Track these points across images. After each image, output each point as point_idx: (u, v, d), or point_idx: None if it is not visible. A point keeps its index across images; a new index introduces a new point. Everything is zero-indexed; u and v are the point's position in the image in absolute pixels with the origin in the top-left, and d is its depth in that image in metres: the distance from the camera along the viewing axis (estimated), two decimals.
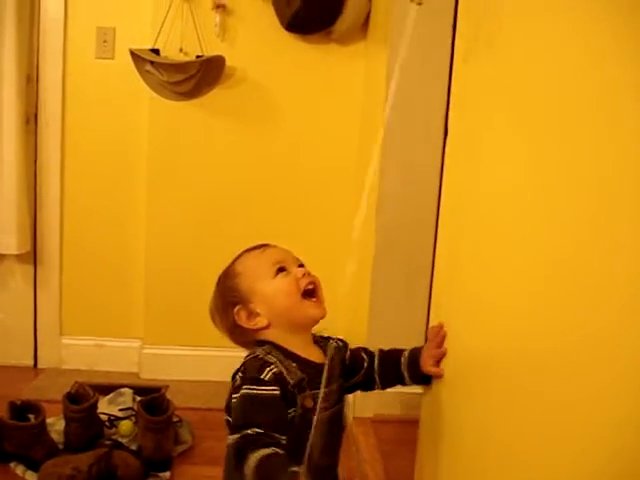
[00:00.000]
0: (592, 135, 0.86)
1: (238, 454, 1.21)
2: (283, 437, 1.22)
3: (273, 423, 1.22)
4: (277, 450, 1.17)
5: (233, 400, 1.29)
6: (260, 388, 1.26)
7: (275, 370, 1.29)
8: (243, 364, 1.34)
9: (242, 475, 1.19)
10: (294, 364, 1.32)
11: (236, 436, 1.22)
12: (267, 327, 1.38)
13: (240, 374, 1.32)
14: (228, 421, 1.34)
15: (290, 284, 1.37)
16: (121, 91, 3.14)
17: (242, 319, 1.38)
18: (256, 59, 3.03)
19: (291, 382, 1.30)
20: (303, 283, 1.37)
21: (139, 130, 3.12)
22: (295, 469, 1.13)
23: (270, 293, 1.37)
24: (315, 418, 1.25)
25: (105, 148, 3.19)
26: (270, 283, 1.37)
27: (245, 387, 1.27)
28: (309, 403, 1.30)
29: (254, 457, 1.16)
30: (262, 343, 1.37)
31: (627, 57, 0.79)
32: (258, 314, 1.37)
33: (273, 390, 1.26)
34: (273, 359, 1.31)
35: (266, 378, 1.27)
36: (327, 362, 1.23)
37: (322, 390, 1.23)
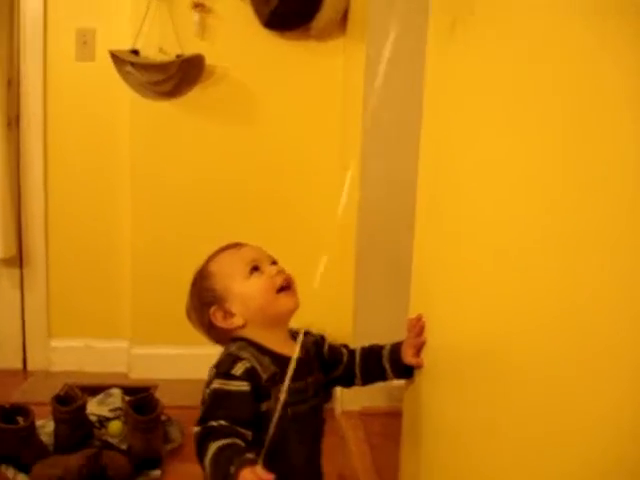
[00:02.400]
0: (569, 118, 0.87)
1: (199, 445, 1.22)
2: (248, 432, 1.23)
3: (238, 417, 1.24)
4: (237, 441, 1.19)
5: (205, 395, 1.31)
6: (230, 383, 1.28)
7: (247, 365, 1.31)
8: (218, 360, 1.35)
9: (203, 466, 1.21)
10: (267, 359, 1.34)
11: (199, 428, 1.24)
12: (243, 326, 1.39)
13: (213, 369, 1.33)
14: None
15: (265, 283, 1.38)
16: (102, 92, 3.14)
17: (218, 319, 1.39)
18: (236, 57, 3.04)
19: (264, 377, 1.31)
20: (278, 281, 1.38)
21: (121, 131, 3.12)
22: (250, 456, 1.14)
23: (245, 293, 1.38)
24: (279, 408, 1.23)
25: (88, 149, 3.20)
26: (245, 283, 1.38)
27: (216, 381, 1.29)
28: (283, 396, 1.32)
29: (213, 446, 1.18)
30: (236, 340, 1.39)
31: (604, 36, 0.80)
32: (234, 314, 1.39)
33: (242, 386, 1.28)
34: (246, 354, 1.33)
35: (237, 373, 1.29)
36: (295, 355, 1.23)
37: (286, 382, 1.23)
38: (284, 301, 1.38)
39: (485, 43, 1.17)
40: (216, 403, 1.27)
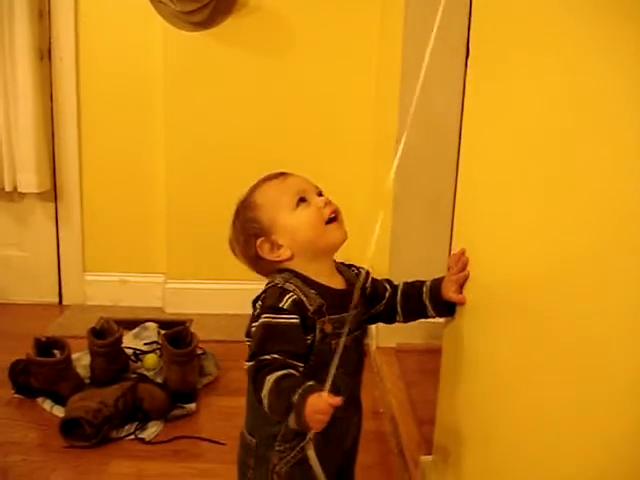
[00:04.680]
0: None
1: (254, 378, 1.22)
2: (300, 364, 1.23)
3: (290, 350, 1.23)
4: (293, 372, 1.19)
5: (253, 328, 1.30)
6: (279, 316, 1.27)
7: (295, 297, 1.29)
8: (263, 292, 1.33)
9: (259, 399, 1.21)
10: (313, 291, 1.32)
11: (252, 362, 1.24)
12: (290, 258, 1.36)
13: (260, 302, 1.31)
14: (250, 346, 1.35)
15: (313, 215, 1.34)
16: (135, 23, 3.09)
17: (265, 251, 1.36)
18: None
19: (311, 309, 1.29)
20: (326, 213, 1.35)
21: (154, 62, 3.07)
22: (311, 383, 1.14)
23: (293, 225, 1.34)
24: (342, 340, 1.24)
25: (121, 81, 3.16)
26: (292, 215, 1.35)
27: (265, 315, 1.27)
28: (328, 328, 1.30)
29: (270, 378, 1.18)
30: (282, 271, 1.36)
31: None
32: (281, 246, 1.36)
33: (292, 318, 1.26)
34: (292, 287, 1.30)
35: (285, 306, 1.27)
36: (358, 285, 1.23)
37: (350, 313, 1.24)
38: (333, 233, 1.35)
39: None
40: (267, 337, 1.26)
